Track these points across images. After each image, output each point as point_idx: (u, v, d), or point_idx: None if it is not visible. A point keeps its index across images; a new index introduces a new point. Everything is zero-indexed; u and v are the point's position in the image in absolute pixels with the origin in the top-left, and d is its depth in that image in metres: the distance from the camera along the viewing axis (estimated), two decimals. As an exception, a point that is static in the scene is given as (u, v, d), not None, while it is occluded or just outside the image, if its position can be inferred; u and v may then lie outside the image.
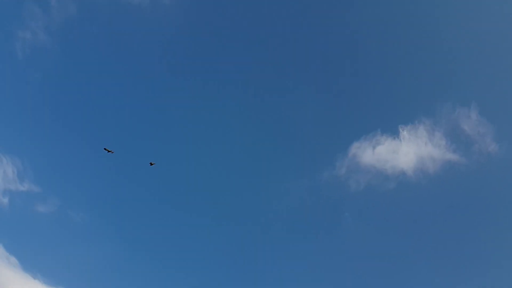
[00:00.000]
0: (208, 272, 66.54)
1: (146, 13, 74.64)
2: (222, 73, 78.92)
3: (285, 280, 66.64)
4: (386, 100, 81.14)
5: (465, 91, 77.83)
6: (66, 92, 71.98)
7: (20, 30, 65.67)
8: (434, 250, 67.72)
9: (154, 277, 62.56)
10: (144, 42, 76.68)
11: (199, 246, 68.70)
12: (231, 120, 78.36)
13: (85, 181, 68.24)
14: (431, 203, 72.42)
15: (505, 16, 76.10)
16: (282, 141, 79.92)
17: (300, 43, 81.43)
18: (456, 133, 73.92)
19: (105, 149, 50.51)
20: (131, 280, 61.59)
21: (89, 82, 74.12)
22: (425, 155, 73.30)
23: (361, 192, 73.83)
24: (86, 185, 67.87)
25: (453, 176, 71.99)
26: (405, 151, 74.13)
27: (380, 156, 73.94)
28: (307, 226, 73.58)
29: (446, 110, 75.43)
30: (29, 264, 57.02)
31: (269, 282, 66.63)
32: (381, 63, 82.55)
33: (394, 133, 75.43)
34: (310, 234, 72.69)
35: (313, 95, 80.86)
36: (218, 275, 65.82)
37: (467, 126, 73.23)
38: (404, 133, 74.99)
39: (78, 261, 61.24)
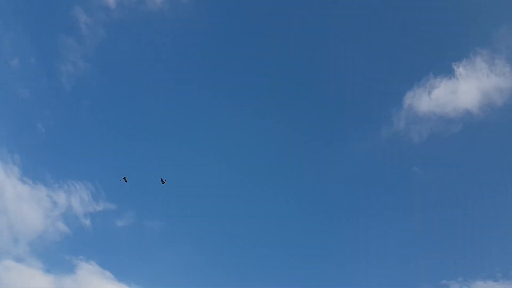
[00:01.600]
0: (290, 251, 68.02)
1: (169, 18, 75.56)
2: (263, 46, 78.71)
3: (364, 241, 66.95)
4: (432, 40, 75.23)
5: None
6: (115, 111, 75.68)
7: (62, 64, 69.58)
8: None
9: (234, 273, 65.72)
10: (173, 48, 77.94)
11: (273, 232, 70.02)
12: (284, 95, 78.52)
13: (153, 191, 71.82)
14: (506, 138, 66.77)
15: None
16: (331, 106, 77.99)
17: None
18: (520, 56, 66.94)
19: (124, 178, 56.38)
20: (211, 277, 64.80)
21: (134, 97, 77.27)
22: (489, 88, 67.24)
23: (425, 142, 69.96)
24: (155, 194, 71.46)
25: (527, 103, 65.61)
26: (465, 89, 68.56)
27: (439, 100, 69.13)
28: (376, 188, 71.75)
29: (503, 34, 68.34)
30: (122, 274, 61.35)
31: (347, 244, 67.30)
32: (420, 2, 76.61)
33: (448, 73, 69.96)
34: (381, 196, 70.87)
35: (355, 52, 77.25)
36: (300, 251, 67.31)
37: (532, 45, 65.99)
38: (460, 70, 69.24)
39: (163, 264, 65.31)
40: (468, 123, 67.77)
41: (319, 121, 77.63)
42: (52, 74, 68.96)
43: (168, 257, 66.02)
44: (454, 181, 68.66)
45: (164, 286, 62.07)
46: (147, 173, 72.52)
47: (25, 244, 57.37)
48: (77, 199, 62.95)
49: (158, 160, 74.26)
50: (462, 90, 68.28)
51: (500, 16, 70.24)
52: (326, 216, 70.32)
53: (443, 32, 74.46)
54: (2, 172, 58.77)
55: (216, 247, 69.02)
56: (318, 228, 69.58)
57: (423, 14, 75.81)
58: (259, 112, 78.05)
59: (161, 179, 49.96)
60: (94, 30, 70.88)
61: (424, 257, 63.74)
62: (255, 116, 77.81)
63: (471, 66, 68.73)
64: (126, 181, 53.75)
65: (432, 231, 66.14)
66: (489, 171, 66.61)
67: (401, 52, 76.57)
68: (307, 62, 78.69)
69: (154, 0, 72.73)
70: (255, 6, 78.88)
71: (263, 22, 78.98)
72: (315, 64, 78.51)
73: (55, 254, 59.52)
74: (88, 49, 71.23)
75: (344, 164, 72.47)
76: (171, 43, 78.20)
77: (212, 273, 66.47)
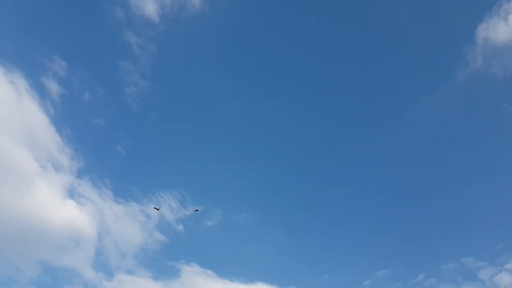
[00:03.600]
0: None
1: (211, 19, 76.46)
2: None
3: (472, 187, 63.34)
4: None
5: None
6: (180, 119, 78.91)
7: (125, 88, 73.91)
8: None
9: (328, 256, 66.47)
10: (221, 47, 79.04)
11: (361, 207, 68.24)
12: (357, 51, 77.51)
13: (234, 187, 74.33)
14: None
15: None
16: (397, 59, 73.39)
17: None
18: None
19: (154, 207, 62.18)
20: (303, 262, 66.67)
21: (194, 103, 79.82)
22: None
23: (512, 74, 62.41)
24: (236, 190, 74.03)
25: None
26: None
27: (519, 24, 60.93)
28: (465, 136, 66.37)
29: None
30: (222, 271, 63.99)
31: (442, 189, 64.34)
32: None
33: (525, -10, 61.32)
34: (472, 140, 65.51)
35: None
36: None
37: None
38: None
39: (258, 255, 67.20)
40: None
41: (386, 79, 73.87)
42: (119, 99, 73.57)
43: (261, 247, 67.55)
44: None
45: (261, 276, 63.73)
46: (224, 171, 75.02)
47: (132, 257, 62.16)
48: (167, 208, 66.65)
49: (230, 158, 76.43)
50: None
51: None
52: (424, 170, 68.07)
53: None
54: (98, 198, 64.07)
55: (305, 231, 69.23)
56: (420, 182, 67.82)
57: None
58: (332, 84, 77.88)
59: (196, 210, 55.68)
60: (145, 48, 74.05)
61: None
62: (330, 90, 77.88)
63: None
64: (158, 209, 60.61)
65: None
66: None
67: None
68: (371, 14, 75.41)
69: (193, 4, 73.80)
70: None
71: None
72: (376, 15, 74.86)
73: (159, 262, 63.78)
74: (144, 68, 74.72)
75: (423, 118, 67.98)
76: (218, 42, 79.11)
77: (305, 258, 67.30)
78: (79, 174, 63.60)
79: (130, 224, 64.30)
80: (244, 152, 77.24)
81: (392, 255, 63.34)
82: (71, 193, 61.87)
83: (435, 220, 63.82)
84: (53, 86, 65.82)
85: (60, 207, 59.75)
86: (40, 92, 63.67)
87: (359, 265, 64.07)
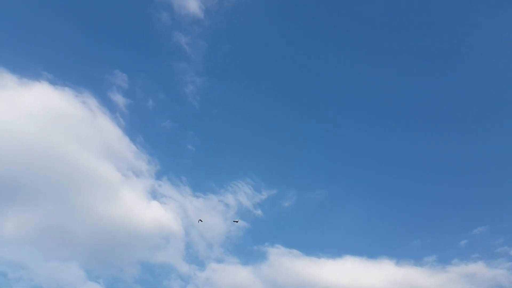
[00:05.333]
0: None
1: (253, 4, 75.94)
2: None
3: None
4: None
5: None
6: (238, 111, 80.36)
7: (184, 88, 76.53)
8: None
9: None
10: (270, 34, 78.55)
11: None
12: None
13: (304, 168, 75.63)
14: None
15: None
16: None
17: None
18: None
19: (199, 220, 62.63)
20: (388, 229, 66.47)
21: (251, 93, 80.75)
22: None
23: None
24: (306, 170, 75.15)
25: None
26: None
27: None
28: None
29: None
30: (308, 249, 64.46)
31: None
32: None
33: None
34: None
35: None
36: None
37: None
38: None
39: (340, 228, 67.48)
40: None
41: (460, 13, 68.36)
42: (180, 99, 76.60)
43: (343, 221, 67.23)
44: None
45: (348, 249, 63.71)
46: (291, 152, 75.66)
47: (218, 246, 64.72)
48: (243, 195, 68.45)
49: (294, 138, 76.56)
50: None
51: None
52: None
53: None
54: (179, 195, 67.49)
55: (387, 198, 67.28)
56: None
57: None
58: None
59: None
60: (195, 45, 75.81)
61: None
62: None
63: None
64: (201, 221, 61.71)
65: None
66: None
67: None
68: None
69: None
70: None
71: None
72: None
73: (245, 248, 65.71)
74: (198, 65, 76.72)
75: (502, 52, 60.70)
76: (265, 26, 78.71)
77: (390, 225, 66.31)
78: (158, 176, 67.37)
79: (212, 215, 66.95)
80: (308, 131, 76.86)
81: (490, 208, 57.97)
82: (154, 195, 65.76)
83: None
84: (119, 99, 70.23)
85: (147, 209, 63.97)
86: (109, 106, 68.19)
87: (452, 224, 60.04)
